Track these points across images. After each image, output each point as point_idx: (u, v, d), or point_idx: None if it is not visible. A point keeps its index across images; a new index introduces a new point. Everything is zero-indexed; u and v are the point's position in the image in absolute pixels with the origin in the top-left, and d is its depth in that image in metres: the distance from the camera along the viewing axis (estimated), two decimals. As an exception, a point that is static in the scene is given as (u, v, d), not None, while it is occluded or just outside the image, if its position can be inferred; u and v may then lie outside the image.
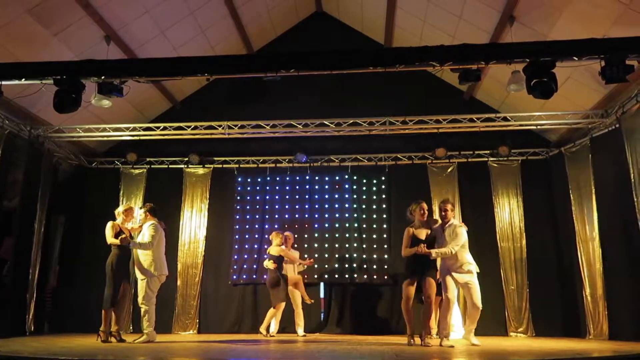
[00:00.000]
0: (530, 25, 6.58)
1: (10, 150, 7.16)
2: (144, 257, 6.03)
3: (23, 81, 5.29)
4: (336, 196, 8.83)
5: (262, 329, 7.21)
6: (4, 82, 5.17)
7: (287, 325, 7.94)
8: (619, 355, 4.55)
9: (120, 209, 6.35)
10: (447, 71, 5.85)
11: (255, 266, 8.52)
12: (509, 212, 8.37)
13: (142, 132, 8.23)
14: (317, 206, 8.81)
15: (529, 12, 6.46)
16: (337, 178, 8.89)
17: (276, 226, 8.60)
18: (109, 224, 6.12)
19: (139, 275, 6.05)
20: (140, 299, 5.97)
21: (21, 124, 7.47)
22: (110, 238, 6.03)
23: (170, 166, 9.09)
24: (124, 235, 6.02)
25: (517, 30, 6.61)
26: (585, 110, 7.37)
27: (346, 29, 9.32)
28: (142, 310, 5.94)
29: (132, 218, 6.48)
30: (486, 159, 8.63)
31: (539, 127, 7.90)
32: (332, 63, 5.24)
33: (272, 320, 7.31)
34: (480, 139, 8.36)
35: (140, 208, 6.81)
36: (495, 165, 8.61)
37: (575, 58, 4.86)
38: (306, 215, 8.77)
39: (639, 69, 4.98)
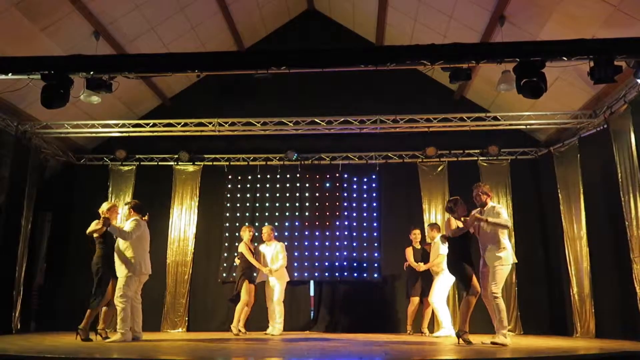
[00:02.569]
0: (520, 25, 6.62)
1: (-4, 146, 7.07)
2: (125, 255, 5.80)
3: (10, 76, 5.22)
4: (327, 194, 8.82)
5: (233, 327, 7.10)
6: (-10, 77, 5.10)
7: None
8: (605, 353, 4.59)
9: (104, 207, 6.08)
10: (437, 70, 5.88)
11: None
12: (498, 211, 8.41)
13: (131, 129, 8.16)
14: (307, 204, 8.79)
15: (519, 12, 6.50)
16: (327, 176, 8.88)
17: (266, 224, 8.54)
18: (94, 222, 5.96)
19: (118, 273, 5.82)
20: (116, 297, 5.73)
21: (8, 120, 7.37)
22: (91, 228, 5.87)
23: (159, 163, 9.02)
24: (105, 215, 5.75)
25: (507, 30, 6.65)
26: (573, 111, 7.44)
27: (337, 27, 9.31)
28: (118, 309, 5.73)
29: (117, 215, 6.27)
30: (476, 158, 8.68)
31: (528, 126, 7.98)
32: (324, 61, 5.23)
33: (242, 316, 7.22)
34: (470, 138, 8.40)
35: (125, 204, 6.53)
36: (485, 164, 8.65)
37: (564, 58, 4.90)
38: (296, 214, 8.75)
39: (627, 70, 5.02)
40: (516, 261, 5.57)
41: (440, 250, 6.93)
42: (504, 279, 5.34)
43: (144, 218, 6.12)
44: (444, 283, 7.02)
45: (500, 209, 5.46)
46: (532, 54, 4.90)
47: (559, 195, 7.88)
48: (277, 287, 7.25)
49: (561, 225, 7.78)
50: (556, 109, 7.50)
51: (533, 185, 8.58)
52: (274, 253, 7.35)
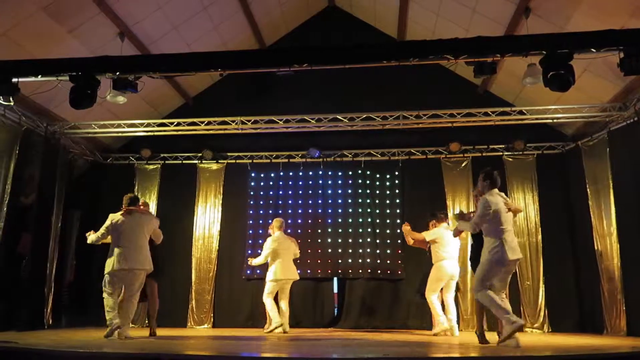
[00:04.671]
0: (546, 17, 6.48)
1: (26, 146, 7.24)
2: (111, 249, 5.71)
3: (39, 78, 5.35)
4: (349, 191, 8.81)
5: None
6: (20, 79, 5.23)
7: (301, 320, 7.97)
8: (637, 352, 4.48)
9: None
10: (461, 65, 5.82)
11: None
12: (524, 207, 8.26)
13: (156, 128, 8.28)
14: (330, 201, 8.80)
15: (545, 3, 6.36)
16: (350, 173, 8.86)
17: (289, 221, 8.55)
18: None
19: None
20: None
21: (37, 121, 7.56)
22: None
23: (184, 162, 9.13)
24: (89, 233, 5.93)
25: (533, 23, 6.52)
26: (602, 103, 7.26)
27: (359, 24, 9.26)
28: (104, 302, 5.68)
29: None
30: (501, 154, 8.54)
31: (555, 120, 7.81)
32: (346, 57, 5.21)
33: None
34: (494, 133, 8.27)
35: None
36: (510, 159, 8.51)
37: (593, 50, 4.78)
38: (319, 211, 8.77)
39: (659, 61, 4.87)
40: (520, 256, 4.94)
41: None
42: (488, 276, 4.86)
43: (138, 206, 6.02)
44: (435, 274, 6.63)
45: (481, 202, 5.07)
46: (559, 46, 4.78)
47: (588, 190, 7.70)
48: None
49: (590, 221, 7.60)
50: (584, 102, 7.32)
51: (560, 181, 8.40)
52: None
